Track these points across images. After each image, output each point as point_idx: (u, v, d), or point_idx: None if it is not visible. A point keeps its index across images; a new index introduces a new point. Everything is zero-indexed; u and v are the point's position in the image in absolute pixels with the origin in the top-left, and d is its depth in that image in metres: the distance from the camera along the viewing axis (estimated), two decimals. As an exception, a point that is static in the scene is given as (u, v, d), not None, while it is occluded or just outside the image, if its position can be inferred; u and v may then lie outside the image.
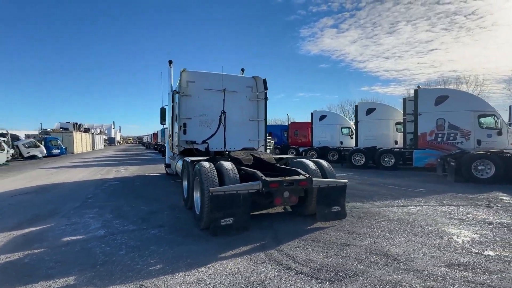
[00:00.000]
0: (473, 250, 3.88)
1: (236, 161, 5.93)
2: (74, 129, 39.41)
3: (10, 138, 24.31)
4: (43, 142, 27.38)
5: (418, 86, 14.21)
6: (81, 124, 46.04)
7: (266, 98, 8.96)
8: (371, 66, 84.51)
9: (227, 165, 4.95)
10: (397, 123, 17.02)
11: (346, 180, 5.31)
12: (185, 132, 8.20)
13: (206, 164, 4.91)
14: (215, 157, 5.97)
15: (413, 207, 6.36)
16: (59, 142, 29.62)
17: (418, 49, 75.29)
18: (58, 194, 8.18)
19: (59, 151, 28.73)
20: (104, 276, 3.19)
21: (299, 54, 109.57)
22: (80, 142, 39.77)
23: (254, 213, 5.73)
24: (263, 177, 4.57)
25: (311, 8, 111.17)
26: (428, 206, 6.43)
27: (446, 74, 67.09)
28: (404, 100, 15.66)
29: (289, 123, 27.14)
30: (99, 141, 55.58)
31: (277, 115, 77.13)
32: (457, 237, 4.39)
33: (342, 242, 4.22)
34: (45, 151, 25.87)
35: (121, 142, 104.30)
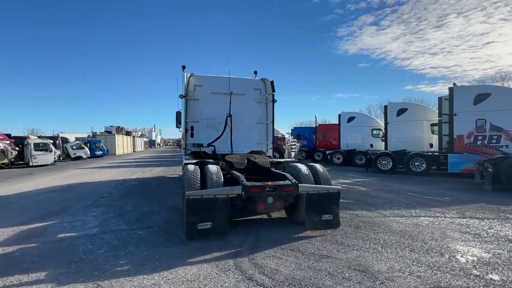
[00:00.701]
0: (474, 272, 3.33)
1: (229, 165, 5.89)
2: (117, 132, 42.67)
3: (60, 141, 27.18)
4: (88, 144, 30.09)
5: (454, 83, 12.82)
6: (123, 127, 49.61)
7: (273, 101, 8.79)
8: (416, 64, 78.66)
9: (212, 168, 4.91)
10: (433, 125, 15.61)
11: (339, 187, 4.96)
12: (192, 135, 8.36)
13: (191, 167, 4.93)
14: (205, 160, 5.96)
15: (426, 218, 5.71)
16: (101, 144, 32.30)
17: (471, 43, 68.33)
18: (79, 192, 8.87)
19: (101, 152, 31.31)
20: (72, 273, 3.33)
21: (337, 54, 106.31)
22: (122, 144, 42.93)
23: (245, 218, 5.63)
24: (244, 182, 4.45)
25: (349, 7, 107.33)
26: (445, 217, 5.72)
27: (505, 69, 59.81)
28: (440, 99, 14.27)
29: (317, 125, 26.39)
30: (140, 143, 59.43)
31: (312, 117, 75.26)
32: (462, 256, 3.82)
33: (323, 253, 3.91)
34: (89, 153, 28.38)
35: (161, 144, 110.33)
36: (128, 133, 52.83)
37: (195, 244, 4.21)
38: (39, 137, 25.19)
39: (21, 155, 20.31)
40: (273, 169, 5.87)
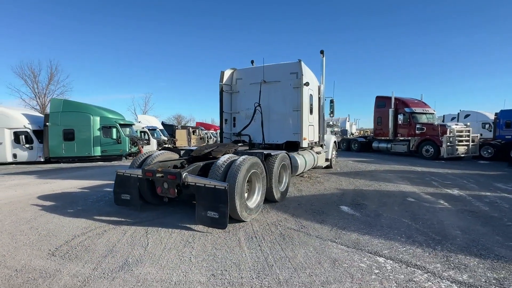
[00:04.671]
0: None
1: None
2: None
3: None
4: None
5: None
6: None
7: (304, 84, 7.65)
8: None
9: (154, 153, 5.83)
10: None
11: (225, 184, 4.26)
12: (234, 125, 9.12)
13: (145, 151, 6.11)
14: (168, 147, 6.69)
15: (413, 270, 3.37)
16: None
17: None
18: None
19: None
20: (60, 207, 5.77)
21: None
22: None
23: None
24: (146, 166, 5.08)
25: None
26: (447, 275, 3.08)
27: None
28: None
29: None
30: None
31: None
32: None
33: (142, 244, 3.92)
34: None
35: (355, 133, 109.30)
36: (312, 123, 58.34)
37: (123, 210, 5.47)
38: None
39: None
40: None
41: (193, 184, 4.53)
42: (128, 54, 75.54)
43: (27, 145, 14.51)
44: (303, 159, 8.04)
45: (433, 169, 11.36)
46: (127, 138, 15.24)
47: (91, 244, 3.86)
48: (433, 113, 18.20)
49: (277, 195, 5.99)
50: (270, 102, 8.45)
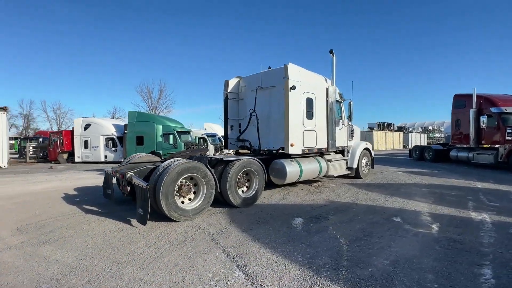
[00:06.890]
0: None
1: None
2: (380, 129, 44.02)
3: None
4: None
5: None
6: (391, 123, 49.36)
7: (290, 88, 7.29)
8: None
9: (137, 155, 6.76)
10: None
11: (145, 184, 4.72)
12: (240, 131, 9.37)
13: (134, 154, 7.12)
14: (154, 151, 7.35)
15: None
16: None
17: None
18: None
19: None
20: (75, 198, 7.40)
21: None
22: (383, 140, 43.53)
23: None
24: (117, 166, 6.00)
25: None
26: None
27: None
28: None
29: None
30: (417, 138, 54.53)
31: None
32: (53, 286, 2.91)
33: (74, 229, 4.72)
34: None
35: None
36: (400, 129, 51.97)
37: (109, 202, 6.59)
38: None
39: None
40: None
41: (134, 183, 5.17)
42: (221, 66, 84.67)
43: (113, 148, 18.45)
44: (296, 167, 7.65)
45: (502, 187, 8.68)
46: (182, 143, 17.38)
47: (47, 225, 4.96)
48: (539, 113, 13.65)
49: (235, 201, 6.01)
50: (266, 108, 8.41)
